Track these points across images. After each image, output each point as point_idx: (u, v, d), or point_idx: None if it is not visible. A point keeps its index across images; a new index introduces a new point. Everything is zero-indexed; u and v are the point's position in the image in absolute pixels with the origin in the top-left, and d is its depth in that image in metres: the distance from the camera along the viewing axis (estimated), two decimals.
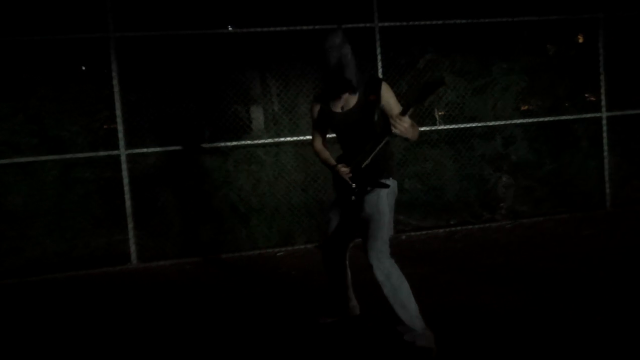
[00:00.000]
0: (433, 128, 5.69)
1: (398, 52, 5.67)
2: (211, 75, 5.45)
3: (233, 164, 5.52)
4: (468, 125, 5.73)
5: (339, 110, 2.63)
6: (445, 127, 5.74)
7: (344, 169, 2.58)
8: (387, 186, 2.57)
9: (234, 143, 5.35)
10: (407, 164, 5.83)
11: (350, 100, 2.61)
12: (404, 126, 2.27)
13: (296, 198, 5.52)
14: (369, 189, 2.58)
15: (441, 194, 5.76)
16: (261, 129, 5.56)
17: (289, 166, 5.59)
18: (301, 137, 5.44)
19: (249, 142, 5.39)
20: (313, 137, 2.92)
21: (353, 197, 2.56)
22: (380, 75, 5.24)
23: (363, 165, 2.49)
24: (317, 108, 2.77)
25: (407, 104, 2.28)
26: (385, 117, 2.53)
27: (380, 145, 2.42)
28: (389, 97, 2.56)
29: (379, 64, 5.42)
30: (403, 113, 2.28)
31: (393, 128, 2.29)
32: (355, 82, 2.55)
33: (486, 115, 5.82)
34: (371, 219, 2.58)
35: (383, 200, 2.59)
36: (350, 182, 2.56)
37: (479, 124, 5.74)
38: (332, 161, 2.76)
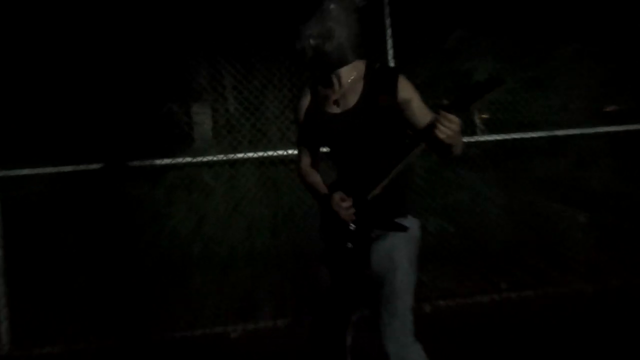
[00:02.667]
0: (471, 140, 4.68)
1: (416, 27, 4.64)
2: (132, 58, 4.46)
3: (165, 192, 4.62)
4: (523, 136, 4.72)
5: (334, 110, 2.25)
6: (488, 138, 4.73)
7: (343, 203, 2.17)
8: (405, 228, 2.20)
9: (167, 161, 4.37)
10: (431, 193, 4.76)
11: (349, 95, 2.21)
12: (452, 128, 1.87)
13: (260, 245, 4.60)
14: (376, 233, 2.24)
15: (483, 241, 4.81)
16: (208, 139, 4.73)
17: (250, 196, 4.60)
18: (269, 153, 4.46)
19: (189, 159, 4.42)
20: (299, 153, 2.53)
21: (350, 245, 2.22)
22: (392, 64, 4.42)
23: (370, 196, 2.17)
24: (304, 105, 2.37)
25: (459, 100, 1.92)
26: (404, 124, 2.19)
27: (406, 161, 2.10)
28: (409, 96, 2.13)
29: (389, 44, 4.44)
30: (451, 108, 1.90)
31: (437, 131, 1.89)
32: (350, 52, 2.19)
33: (549, 121, 4.87)
34: (384, 280, 2.23)
35: (401, 251, 2.22)
36: (348, 222, 2.21)
37: (540, 134, 4.74)
38: (324, 188, 2.38)
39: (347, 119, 2.22)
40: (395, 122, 2.15)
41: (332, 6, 2.14)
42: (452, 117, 1.88)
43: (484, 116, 4.80)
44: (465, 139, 4.41)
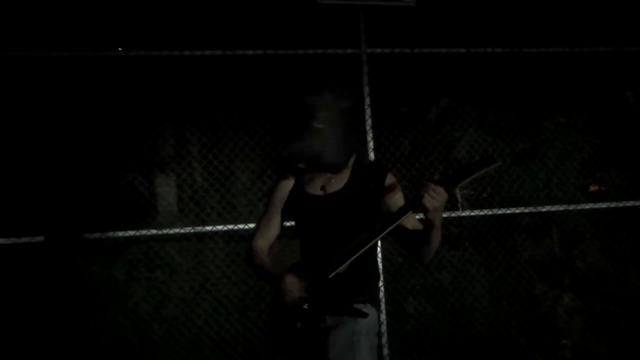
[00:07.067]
0: (452, 215, 4.22)
1: (397, 95, 4.32)
2: (91, 123, 4.10)
3: (125, 268, 4.27)
4: (508, 212, 4.31)
5: (317, 192, 2.27)
6: (471, 214, 4.32)
7: (295, 280, 2.08)
8: (364, 315, 2.13)
9: (128, 234, 3.93)
10: (410, 273, 4.39)
11: (336, 181, 2.26)
12: (438, 199, 1.89)
13: (229, 327, 4.23)
14: (332, 320, 2.12)
15: (466, 323, 4.41)
16: (173, 211, 4.36)
17: (219, 273, 4.30)
18: (239, 226, 4.04)
19: (153, 231, 4.00)
20: (258, 229, 2.40)
21: (299, 324, 2.11)
22: (370, 136, 4.03)
23: (333, 274, 2.05)
24: (287, 185, 2.36)
25: (449, 175, 1.95)
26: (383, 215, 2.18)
27: (385, 232, 2.02)
28: (394, 194, 2.19)
29: (367, 113, 3.99)
30: (440, 182, 1.93)
31: (424, 200, 1.91)
32: (345, 157, 2.21)
33: (535, 197, 4.54)
34: None
35: (362, 341, 2.11)
36: (301, 301, 2.11)
37: (525, 210, 4.33)
38: (275, 271, 2.28)
39: (330, 201, 2.25)
40: (375, 211, 2.20)
41: (324, 113, 2.16)
42: (439, 189, 1.92)
43: (464, 191, 4.40)
44: (446, 215, 4.06)
